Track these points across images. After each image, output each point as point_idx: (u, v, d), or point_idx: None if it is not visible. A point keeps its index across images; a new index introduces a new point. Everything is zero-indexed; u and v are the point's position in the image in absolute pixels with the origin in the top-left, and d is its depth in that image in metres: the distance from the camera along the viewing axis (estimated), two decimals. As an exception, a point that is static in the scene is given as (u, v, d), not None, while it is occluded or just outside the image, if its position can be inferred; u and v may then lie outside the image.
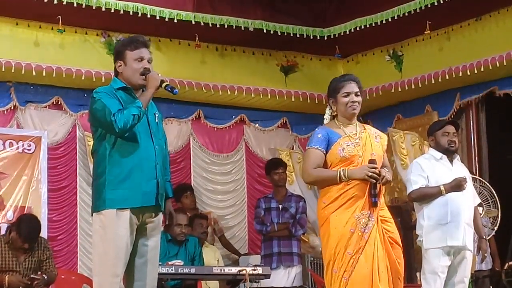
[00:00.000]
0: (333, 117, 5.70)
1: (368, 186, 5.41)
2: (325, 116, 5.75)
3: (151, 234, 5.13)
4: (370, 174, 5.36)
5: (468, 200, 6.91)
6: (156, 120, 5.22)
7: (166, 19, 9.23)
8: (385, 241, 5.44)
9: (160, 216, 5.19)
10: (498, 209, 8.66)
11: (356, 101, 5.57)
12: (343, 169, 5.43)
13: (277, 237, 9.09)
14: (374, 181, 5.38)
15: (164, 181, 5.23)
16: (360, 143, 5.53)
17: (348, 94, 5.58)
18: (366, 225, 5.39)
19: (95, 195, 5.15)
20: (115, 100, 5.05)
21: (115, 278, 4.99)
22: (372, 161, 5.44)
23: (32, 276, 7.71)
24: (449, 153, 6.94)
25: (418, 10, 9.15)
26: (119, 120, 4.93)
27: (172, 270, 7.56)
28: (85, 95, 9.85)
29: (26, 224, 7.85)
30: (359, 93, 5.60)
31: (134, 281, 5.11)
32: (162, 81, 5.09)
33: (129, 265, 5.08)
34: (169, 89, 5.12)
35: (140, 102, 5.01)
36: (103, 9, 8.91)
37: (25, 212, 9.15)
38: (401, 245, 5.57)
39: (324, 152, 5.52)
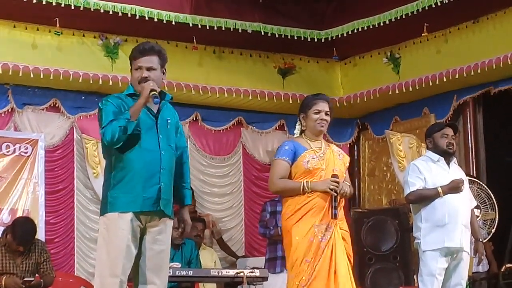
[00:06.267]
0: (301, 132, 5.98)
1: (329, 198, 5.70)
2: (295, 131, 6.06)
3: (157, 239, 5.16)
4: (332, 187, 5.68)
5: (465, 202, 6.91)
6: (168, 127, 5.23)
7: (164, 21, 9.24)
8: (344, 250, 5.77)
9: (167, 221, 5.20)
10: (495, 212, 8.66)
11: (325, 119, 5.90)
12: (306, 181, 5.74)
13: (282, 240, 9.06)
14: (335, 194, 5.68)
15: (182, 188, 5.32)
16: (324, 158, 5.84)
17: (319, 112, 5.88)
18: (324, 235, 5.69)
19: (101, 199, 5.27)
20: (114, 110, 5.09)
21: (114, 278, 5.04)
22: (334, 176, 5.75)
23: (26, 279, 7.70)
24: (447, 155, 6.95)
25: (415, 13, 9.15)
26: (107, 133, 5.02)
27: (169, 272, 7.50)
28: (83, 97, 9.89)
29: (20, 227, 7.84)
30: (329, 113, 5.91)
31: (139, 284, 5.17)
32: (151, 90, 5.08)
33: (136, 269, 5.16)
34: (152, 98, 5.10)
35: (129, 113, 5.04)
36: (101, 11, 8.91)
37: (22, 215, 9.14)
38: (352, 260, 5.88)
39: (290, 164, 5.81)
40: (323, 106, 5.89)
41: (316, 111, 5.86)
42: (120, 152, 5.11)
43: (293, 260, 5.68)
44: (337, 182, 5.71)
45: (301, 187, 5.71)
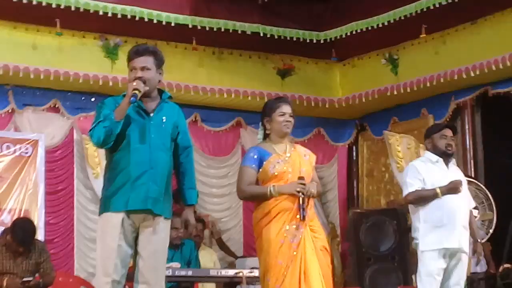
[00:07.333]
0: (265, 137, 6.04)
1: (297, 200, 5.75)
2: (258, 136, 6.13)
3: (151, 239, 5.18)
4: (299, 189, 5.75)
5: (463, 203, 6.91)
6: (163, 126, 5.24)
7: (163, 23, 9.26)
8: (317, 249, 5.81)
9: (162, 221, 5.21)
10: (493, 212, 8.67)
11: (289, 121, 5.96)
12: (273, 186, 5.81)
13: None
14: (303, 196, 5.75)
15: (184, 188, 5.33)
16: (290, 161, 5.90)
17: (283, 114, 5.95)
18: (295, 236, 5.74)
19: (99, 200, 5.32)
20: (106, 113, 5.11)
21: (106, 277, 5.09)
22: (301, 178, 5.81)
23: (24, 279, 7.71)
24: (446, 156, 6.95)
25: (414, 14, 9.18)
26: (94, 135, 5.07)
27: (169, 272, 7.54)
28: (83, 98, 9.89)
29: (20, 227, 7.84)
30: (292, 115, 5.97)
31: (134, 283, 5.21)
32: (134, 89, 5.09)
33: (135, 268, 5.21)
34: (131, 97, 5.09)
35: (113, 114, 5.06)
36: (101, 12, 8.93)
37: (22, 215, 9.15)
38: (329, 251, 5.98)
39: (257, 170, 5.88)
40: (287, 108, 5.97)
41: (281, 113, 5.93)
42: (111, 153, 5.16)
43: (266, 263, 5.75)
44: (304, 184, 5.77)
45: (268, 192, 5.79)
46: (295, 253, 5.71)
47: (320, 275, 5.74)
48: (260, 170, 5.86)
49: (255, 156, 5.89)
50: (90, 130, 5.10)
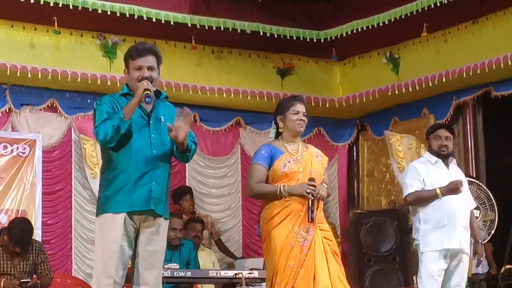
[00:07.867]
0: (278, 135, 6.03)
1: (306, 202, 5.72)
2: (270, 135, 6.14)
3: (151, 239, 5.15)
4: (308, 191, 5.71)
5: (464, 203, 6.90)
6: (162, 125, 5.19)
7: (162, 21, 9.23)
8: (328, 252, 5.79)
9: (162, 221, 5.17)
10: (495, 213, 8.63)
11: (303, 120, 5.95)
12: (283, 185, 5.79)
13: None
14: (312, 197, 5.71)
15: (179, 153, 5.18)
16: (301, 161, 5.88)
17: (297, 112, 5.94)
18: (305, 239, 5.72)
19: (96, 200, 5.28)
20: (108, 110, 5.08)
21: (108, 279, 5.05)
22: (311, 179, 5.79)
23: (22, 280, 7.67)
24: (441, 157, 6.91)
25: (415, 13, 9.14)
26: (100, 132, 5.01)
27: (168, 273, 7.51)
28: (81, 97, 9.85)
29: (17, 228, 7.82)
30: (306, 114, 5.94)
31: (133, 285, 5.17)
32: (145, 90, 5.06)
33: (133, 270, 5.18)
34: (145, 97, 5.06)
35: (122, 112, 5.02)
36: (99, 11, 8.90)
37: (19, 216, 9.11)
38: (339, 254, 5.96)
39: (267, 168, 5.86)
40: (301, 107, 5.95)
41: (295, 111, 5.92)
42: (111, 153, 5.11)
43: (277, 266, 5.70)
44: (314, 186, 5.73)
45: (278, 191, 5.75)
46: (305, 256, 5.67)
47: (329, 279, 5.70)
48: (271, 168, 5.83)
49: (266, 154, 5.87)
50: (95, 127, 5.05)
